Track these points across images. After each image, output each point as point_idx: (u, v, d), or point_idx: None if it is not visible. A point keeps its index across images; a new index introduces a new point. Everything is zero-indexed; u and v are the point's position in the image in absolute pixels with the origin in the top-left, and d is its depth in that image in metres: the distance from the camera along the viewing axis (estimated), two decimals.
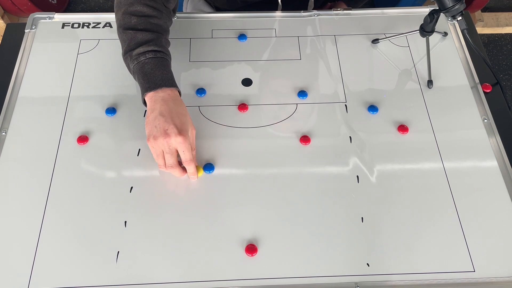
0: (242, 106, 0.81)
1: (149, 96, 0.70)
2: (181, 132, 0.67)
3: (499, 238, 0.69)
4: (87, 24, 0.92)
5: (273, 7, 0.98)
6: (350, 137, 0.78)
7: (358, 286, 0.64)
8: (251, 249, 0.66)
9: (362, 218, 0.70)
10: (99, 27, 0.92)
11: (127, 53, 0.73)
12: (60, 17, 0.93)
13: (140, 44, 0.72)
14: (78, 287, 0.63)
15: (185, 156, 0.69)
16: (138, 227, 0.68)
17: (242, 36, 0.91)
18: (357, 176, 0.74)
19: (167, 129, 0.66)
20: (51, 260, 0.65)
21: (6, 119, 0.78)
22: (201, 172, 0.73)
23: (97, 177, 0.72)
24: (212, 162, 0.75)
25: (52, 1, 1.94)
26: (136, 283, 0.63)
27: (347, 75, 0.87)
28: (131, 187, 0.72)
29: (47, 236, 0.67)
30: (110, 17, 0.93)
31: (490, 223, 0.70)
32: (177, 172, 0.71)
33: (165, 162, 0.70)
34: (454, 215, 0.70)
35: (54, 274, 0.64)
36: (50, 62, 0.86)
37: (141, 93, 0.71)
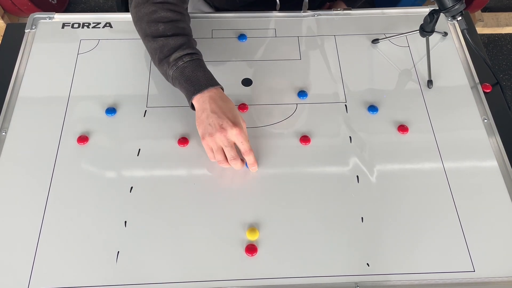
0: (242, 106, 0.81)
1: (196, 99, 0.71)
2: (236, 124, 0.69)
3: (499, 238, 0.69)
4: (87, 24, 0.92)
5: (271, 6, 0.97)
6: (350, 137, 0.78)
7: (358, 286, 0.64)
8: (251, 249, 0.66)
9: (362, 218, 0.70)
10: (99, 27, 0.92)
11: (163, 60, 0.74)
12: (60, 17, 0.93)
13: (175, 50, 0.73)
14: (78, 287, 0.63)
15: (244, 147, 0.70)
16: (138, 227, 0.68)
17: (242, 36, 0.91)
18: (357, 176, 0.74)
19: (221, 124, 0.68)
20: (51, 260, 0.65)
21: (6, 119, 0.78)
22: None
23: (97, 177, 0.72)
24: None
25: (52, 1, 1.94)
26: (136, 283, 0.63)
27: (347, 75, 0.87)
28: (131, 187, 0.72)
29: (47, 236, 0.67)
30: (110, 17, 0.93)
31: (490, 223, 0.70)
32: (239, 164, 0.72)
33: (225, 156, 0.71)
34: (454, 215, 0.70)
35: (54, 274, 0.64)
36: (50, 62, 0.86)
37: (187, 97, 0.73)
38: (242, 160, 0.73)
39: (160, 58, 0.74)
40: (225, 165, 0.72)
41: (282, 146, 0.77)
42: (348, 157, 0.76)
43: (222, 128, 0.68)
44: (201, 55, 0.76)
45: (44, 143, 0.76)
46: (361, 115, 0.81)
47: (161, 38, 0.74)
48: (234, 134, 0.69)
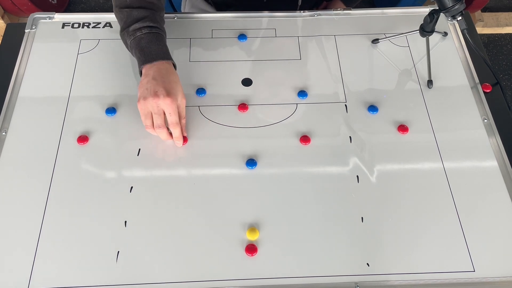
0: (242, 106, 0.81)
1: (145, 68, 0.74)
2: (170, 94, 0.71)
3: (499, 238, 0.69)
4: (87, 24, 0.92)
5: None
6: (350, 137, 0.78)
7: (358, 286, 0.64)
8: (251, 249, 0.66)
9: (362, 218, 0.70)
10: (99, 27, 0.92)
11: (124, 30, 0.77)
12: (60, 17, 0.93)
13: (136, 21, 0.76)
14: (78, 287, 0.63)
15: (171, 119, 0.72)
16: (138, 227, 0.68)
17: (242, 36, 0.91)
18: (357, 176, 0.74)
19: (157, 91, 0.71)
20: (51, 260, 0.65)
21: (6, 119, 0.78)
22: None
23: (97, 177, 0.72)
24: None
25: (52, 1, 1.94)
26: (136, 283, 0.63)
27: (347, 75, 0.87)
28: (131, 187, 0.72)
29: (47, 236, 0.67)
30: (110, 17, 0.93)
31: (490, 223, 0.70)
32: (164, 133, 0.74)
33: (152, 123, 0.73)
34: (454, 215, 0.70)
35: (54, 274, 0.64)
36: (50, 62, 0.86)
37: (138, 66, 0.76)
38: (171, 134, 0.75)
39: (122, 28, 0.78)
40: (151, 131, 0.74)
41: (282, 146, 0.77)
42: (348, 157, 0.76)
43: (155, 95, 0.70)
44: (163, 31, 0.79)
45: (44, 143, 0.76)
46: (361, 115, 0.81)
47: (126, 9, 0.77)
48: (165, 103, 0.71)
